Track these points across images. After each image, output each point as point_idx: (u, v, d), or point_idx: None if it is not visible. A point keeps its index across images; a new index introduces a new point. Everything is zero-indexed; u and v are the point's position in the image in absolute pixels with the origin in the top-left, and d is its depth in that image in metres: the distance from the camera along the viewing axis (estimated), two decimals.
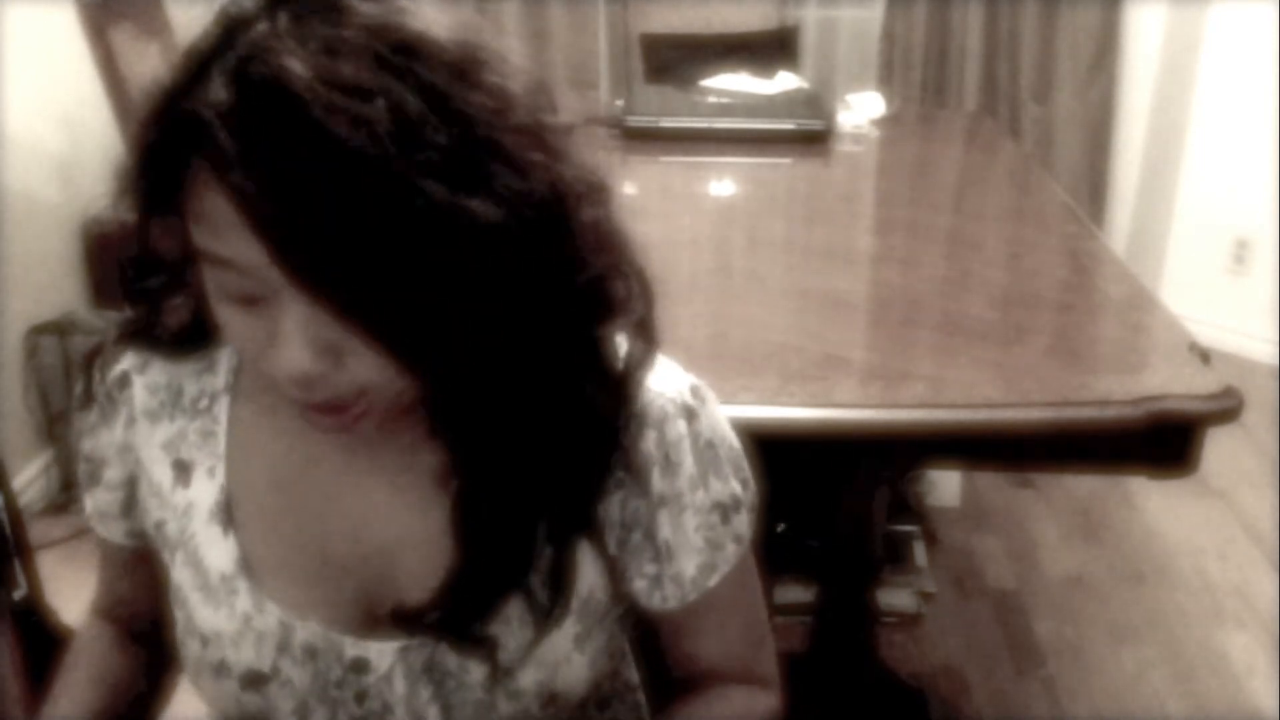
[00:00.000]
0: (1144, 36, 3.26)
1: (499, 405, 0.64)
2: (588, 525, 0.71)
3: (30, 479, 2.34)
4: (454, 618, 0.68)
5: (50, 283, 2.24)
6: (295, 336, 0.57)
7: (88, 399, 0.77)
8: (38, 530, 1.71)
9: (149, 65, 2.31)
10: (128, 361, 0.75)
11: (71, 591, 1.78)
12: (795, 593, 1.92)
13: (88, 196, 2.41)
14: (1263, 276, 3.08)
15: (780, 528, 1.93)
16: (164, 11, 2.62)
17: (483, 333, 0.58)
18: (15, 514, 1.60)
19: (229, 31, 0.55)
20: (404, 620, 0.69)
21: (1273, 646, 2.01)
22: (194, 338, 0.73)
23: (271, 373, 0.59)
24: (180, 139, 0.55)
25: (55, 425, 2.42)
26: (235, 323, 0.60)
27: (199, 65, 0.55)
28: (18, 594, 1.56)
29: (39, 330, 2.39)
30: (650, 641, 0.81)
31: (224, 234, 0.55)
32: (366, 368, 0.59)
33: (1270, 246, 3.04)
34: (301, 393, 0.60)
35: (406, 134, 0.52)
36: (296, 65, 0.52)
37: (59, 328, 2.37)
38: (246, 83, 0.53)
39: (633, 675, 0.90)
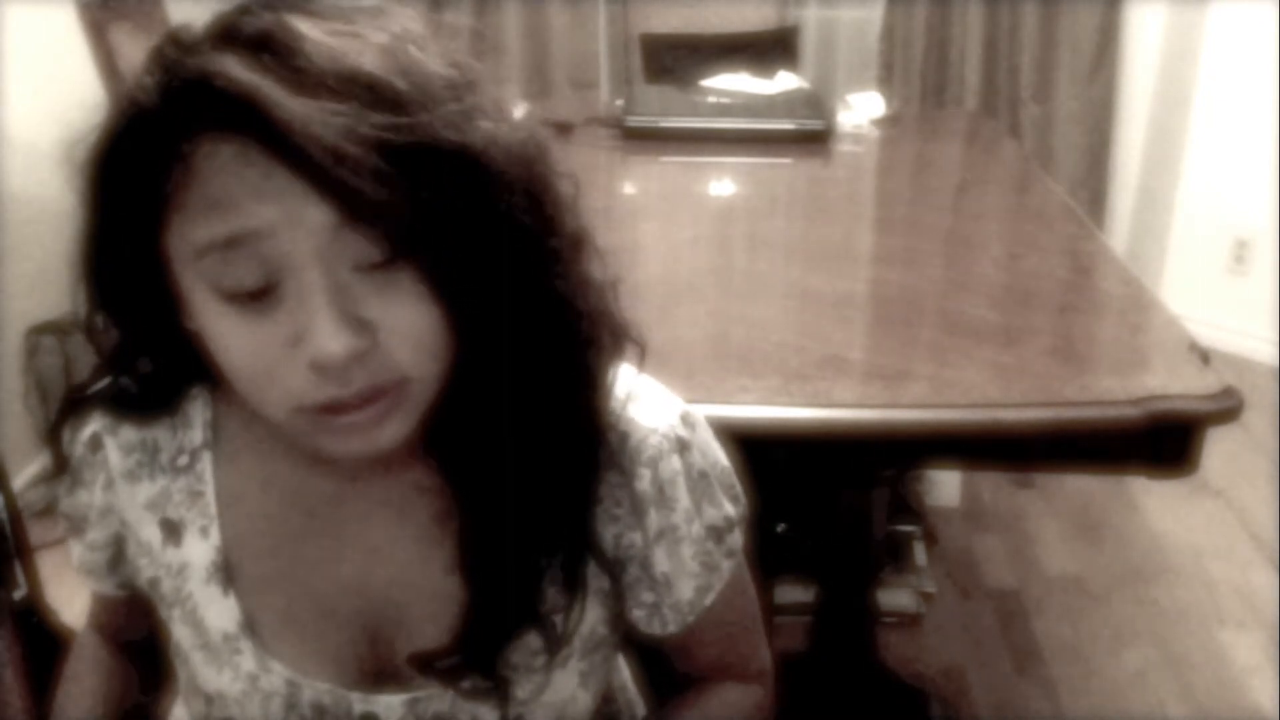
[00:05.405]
0: (1144, 36, 3.26)
1: (497, 425, 0.64)
2: (588, 538, 0.70)
3: (30, 479, 2.34)
4: (473, 656, 0.67)
5: (50, 283, 2.23)
6: (326, 311, 0.54)
7: (60, 464, 0.74)
8: (38, 530, 1.71)
9: None
10: (97, 423, 0.72)
11: (71, 592, 1.78)
12: (795, 593, 1.92)
13: None
14: (1263, 276, 3.08)
15: (780, 528, 1.93)
16: (164, 11, 2.63)
17: (509, 271, 0.59)
18: (15, 514, 1.60)
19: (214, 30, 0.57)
20: (422, 665, 0.68)
21: (1273, 646, 2.01)
22: (162, 396, 0.71)
23: (293, 384, 0.56)
24: (175, 124, 0.54)
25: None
26: (242, 337, 0.56)
27: (178, 57, 0.56)
28: (18, 594, 1.55)
29: (39, 330, 2.38)
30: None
31: (238, 204, 0.53)
32: (400, 341, 0.56)
33: (1270, 246, 3.04)
34: (337, 383, 0.56)
35: (411, 69, 0.55)
36: (292, 20, 0.55)
37: (59, 328, 2.37)
38: (250, 34, 0.54)
39: (625, 676, 0.90)
